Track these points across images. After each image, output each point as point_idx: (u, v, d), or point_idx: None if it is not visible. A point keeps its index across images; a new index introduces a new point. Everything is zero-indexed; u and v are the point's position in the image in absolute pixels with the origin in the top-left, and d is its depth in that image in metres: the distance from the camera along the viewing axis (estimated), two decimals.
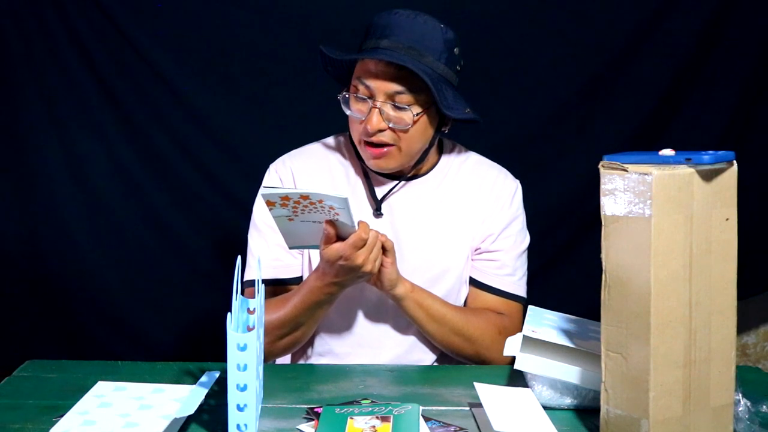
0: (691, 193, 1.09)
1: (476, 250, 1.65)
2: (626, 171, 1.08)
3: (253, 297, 1.27)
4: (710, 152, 1.10)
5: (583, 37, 2.45)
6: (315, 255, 1.59)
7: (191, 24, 2.40)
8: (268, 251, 1.62)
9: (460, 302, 1.67)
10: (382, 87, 1.50)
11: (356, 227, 1.38)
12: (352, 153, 1.66)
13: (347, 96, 1.55)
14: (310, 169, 1.66)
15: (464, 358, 1.61)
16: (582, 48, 2.45)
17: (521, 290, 1.67)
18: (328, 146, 1.70)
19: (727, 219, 1.13)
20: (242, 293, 1.48)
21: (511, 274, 1.65)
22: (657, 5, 2.44)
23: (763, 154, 2.47)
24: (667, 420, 1.10)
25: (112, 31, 2.37)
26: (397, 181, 1.62)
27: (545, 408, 1.25)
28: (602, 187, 1.11)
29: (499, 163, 1.71)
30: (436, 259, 1.62)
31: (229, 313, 1.10)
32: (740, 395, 1.20)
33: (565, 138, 2.50)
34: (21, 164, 2.43)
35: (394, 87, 1.50)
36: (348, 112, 1.56)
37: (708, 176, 1.10)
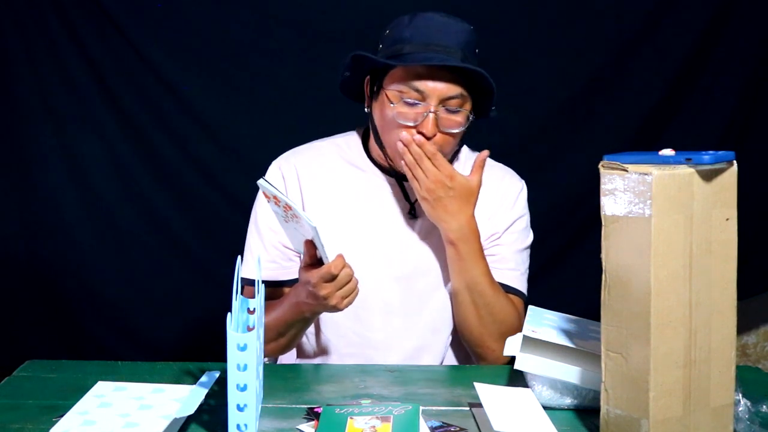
0: (691, 193, 1.09)
1: None
2: (626, 171, 1.08)
3: (251, 295, 1.27)
4: (710, 152, 1.09)
5: (583, 37, 2.45)
6: None
7: (191, 24, 2.40)
8: (264, 253, 1.60)
9: None
10: (437, 91, 1.46)
11: (328, 257, 1.36)
12: (370, 154, 1.62)
13: (392, 103, 1.48)
14: (316, 169, 1.62)
15: (465, 339, 1.61)
16: (582, 48, 2.45)
17: (522, 286, 1.66)
18: (339, 145, 1.65)
19: (727, 219, 1.12)
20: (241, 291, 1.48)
21: (513, 268, 1.65)
22: (657, 5, 2.44)
23: (763, 154, 2.47)
24: (667, 420, 1.10)
25: (112, 31, 2.37)
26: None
27: (545, 408, 1.25)
28: (602, 187, 1.11)
29: (498, 162, 1.71)
30: (446, 258, 1.62)
31: (229, 313, 1.10)
32: (740, 395, 1.20)
33: (565, 138, 2.50)
34: (21, 164, 2.43)
35: (452, 90, 1.47)
36: (390, 116, 1.49)
37: (708, 176, 1.10)
